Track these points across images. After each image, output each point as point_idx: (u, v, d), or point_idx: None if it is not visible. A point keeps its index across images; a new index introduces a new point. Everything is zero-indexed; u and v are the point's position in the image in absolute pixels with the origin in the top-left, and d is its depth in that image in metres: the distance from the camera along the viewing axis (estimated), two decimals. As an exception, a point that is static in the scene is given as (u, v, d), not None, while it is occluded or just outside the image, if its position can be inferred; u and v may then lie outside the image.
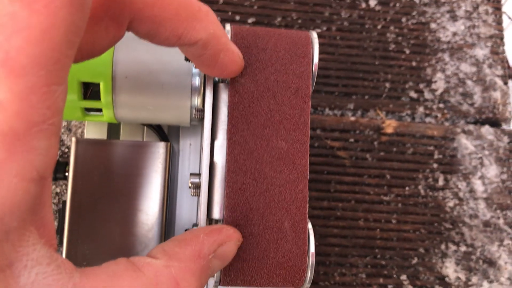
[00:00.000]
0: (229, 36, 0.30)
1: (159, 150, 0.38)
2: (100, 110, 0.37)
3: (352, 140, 0.47)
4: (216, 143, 0.30)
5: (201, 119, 0.31)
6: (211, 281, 0.30)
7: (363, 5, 0.49)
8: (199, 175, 0.30)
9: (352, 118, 0.47)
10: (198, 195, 0.30)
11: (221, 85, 0.30)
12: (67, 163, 0.40)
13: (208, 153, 0.29)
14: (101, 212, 0.37)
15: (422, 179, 0.47)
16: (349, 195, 0.46)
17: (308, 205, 0.29)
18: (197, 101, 0.36)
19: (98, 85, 0.35)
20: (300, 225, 0.29)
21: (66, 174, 0.39)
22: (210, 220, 0.30)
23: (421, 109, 0.48)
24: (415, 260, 0.46)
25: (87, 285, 0.19)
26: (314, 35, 0.31)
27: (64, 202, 0.38)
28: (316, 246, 0.45)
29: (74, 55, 0.20)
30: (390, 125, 0.48)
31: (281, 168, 0.29)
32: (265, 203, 0.29)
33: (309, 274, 0.30)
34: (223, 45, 0.26)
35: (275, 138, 0.29)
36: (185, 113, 0.37)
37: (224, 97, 0.30)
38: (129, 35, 0.36)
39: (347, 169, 0.47)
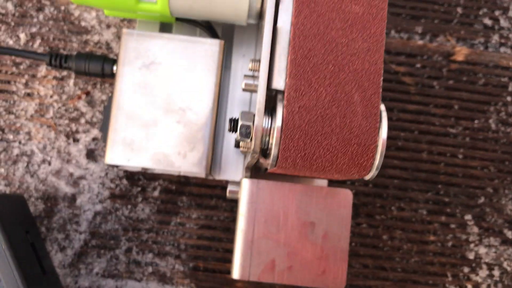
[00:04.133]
0: None
1: (213, 47, 0.36)
2: (153, -3, 0.34)
3: (418, 65, 0.43)
4: (281, 5, 0.27)
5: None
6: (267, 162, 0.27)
7: None
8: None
9: (420, 42, 0.43)
10: (258, 69, 0.27)
11: None
12: (115, 60, 0.37)
13: (271, 16, 0.26)
14: (150, 110, 0.35)
15: (493, 113, 0.43)
16: (412, 124, 0.43)
17: (382, 78, 0.26)
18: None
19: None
20: (372, 99, 0.26)
21: (114, 71, 0.37)
22: (270, 91, 0.27)
23: (495, 38, 0.44)
24: (482, 200, 0.42)
25: None
26: None
27: (110, 98, 0.36)
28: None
29: None
30: (461, 52, 0.43)
31: (354, 35, 0.26)
32: (333, 73, 0.26)
33: (378, 161, 0.26)
34: None
35: (348, 1, 0.26)
36: (243, 4, 0.34)
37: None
38: None
39: (412, 96, 0.43)
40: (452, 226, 0.42)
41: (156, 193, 0.40)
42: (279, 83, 0.26)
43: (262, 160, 0.29)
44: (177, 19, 0.37)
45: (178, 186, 0.40)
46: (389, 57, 0.43)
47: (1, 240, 0.32)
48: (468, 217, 0.42)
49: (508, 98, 0.43)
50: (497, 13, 0.44)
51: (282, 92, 0.26)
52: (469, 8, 0.44)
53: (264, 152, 0.27)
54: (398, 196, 0.42)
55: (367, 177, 0.27)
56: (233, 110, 0.37)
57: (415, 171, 0.42)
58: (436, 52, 0.43)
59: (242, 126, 0.26)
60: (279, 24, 0.27)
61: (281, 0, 0.27)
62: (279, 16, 0.26)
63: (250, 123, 0.26)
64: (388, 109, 0.43)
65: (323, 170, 0.26)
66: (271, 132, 0.26)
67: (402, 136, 0.42)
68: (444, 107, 0.43)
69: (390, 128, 0.42)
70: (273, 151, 0.26)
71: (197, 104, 0.35)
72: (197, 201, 0.40)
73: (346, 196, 0.33)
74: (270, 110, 0.27)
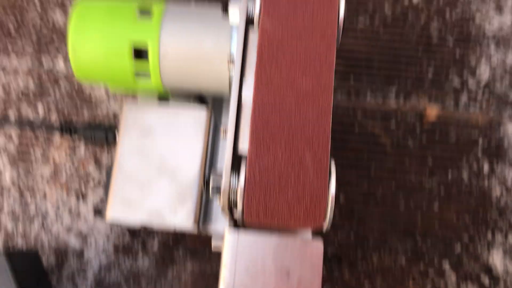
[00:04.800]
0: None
1: (201, 114, 0.41)
2: (148, 75, 0.40)
3: (393, 125, 0.47)
4: (244, 84, 0.32)
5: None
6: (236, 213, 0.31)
7: (406, 1, 0.51)
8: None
9: (394, 104, 0.48)
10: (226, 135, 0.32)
11: (251, 32, 0.32)
12: (117, 129, 0.43)
13: (236, 92, 0.31)
14: (145, 172, 0.40)
15: (466, 167, 0.46)
16: (389, 179, 0.46)
17: (330, 142, 0.30)
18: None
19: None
20: (322, 159, 0.30)
21: (116, 138, 0.43)
22: (235, 155, 0.31)
23: (464, 97, 0.48)
24: (458, 248, 0.45)
25: None
26: (341, -10, 0.33)
27: (112, 162, 0.41)
28: (354, 229, 0.45)
29: None
30: (432, 111, 0.48)
31: (305, 106, 0.31)
32: (288, 138, 0.30)
33: (329, 213, 0.30)
34: None
35: (300, 79, 0.31)
36: (224, 80, 0.39)
37: (253, 42, 0.32)
38: (178, 6, 0.40)
39: (388, 153, 0.47)
40: (431, 273, 0.44)
41: (155, 247, 0.44)
42: (243, 148, 0.31)
43: (235, 214, 0.33)
44: (173, 93, 0.43)
45: (174, 240, 0.45)
46: (365, 117, 0.47)
47: (14, 290, 0.37)
48: (445, 265, 0.44)
49: (479, 153, 0.47)
50: (465, 75, 0.49)
51: (245, 155, 0.31)
52: (439, 71, 0.49)
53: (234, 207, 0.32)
54: (378, 246, 0.45)
55: (324, 228, 0.31)
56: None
57: (394, 223, 0.45)
58: (409, 112, 0.48)
59: (213, 184, 0.31)
60: (243, 98, 0.31)
61: (244, 78, 0.32)
62: (243, 92, 0.31)
63: (220, 182, 0.31)
64: (366, 166, 0.46)
65: (283, 222, 0.30)
66: (237, 190, 0.30)
67: (381, 191, 0.46)
68: (419, 163, 0.47)
69: (369, 183, 0.46)
70: (239, 206, 0.30)
71: (186, 164, 0.40)
72: (192, 253, 0.44)
73: (317, 246, 0.36)
74: (237, 170, 0.31)
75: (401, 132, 0.47)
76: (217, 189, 0.31)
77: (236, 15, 0.33)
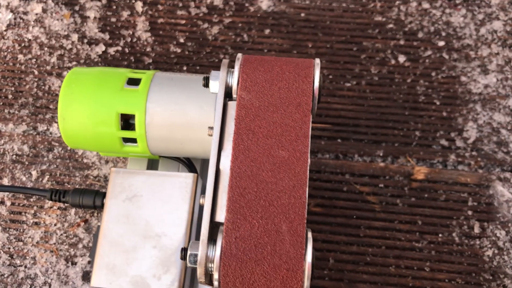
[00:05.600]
0: (238, 63, 0.34)
1: (187, 180, 0.41)
2: (135, 141, 0.41)
3: (381, 185, 0.47)
4: (223, 153, 0.32)
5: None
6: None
7: (393, 61, 0.52)
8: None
9: (382, 164, 0.48)
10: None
11: (230, 103, 0.33)
12: (105, 194, 0.43)
13: (214, 162, 0.32)
14: (130, 237, 0.40)
15: (456, 226, 0.46)
16: (379, 240, 0.46)
17: (306, 211, 0.30)
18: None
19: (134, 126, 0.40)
20: (298, 229, 0.30)
21: (104, 202, 0.43)
22: (213, 223, 0.31)
23: (453, 157, 0.48)
24: (452, 312, 0.44)
25: None
26: (316, 61, 0.34)
27: (98, 227, 0.41)
28: (344, 291, 0.45)
29: None
30: (420, 171, 0.48)
31: (281, 175, 0.31)
32: (264, 207, 0.30)
33: (306, 283, 0.30)
34: None
35: (276, 148, 0.31)
36: (208, 145, 0.40)
37: (232, 113, 0.33)
38: (165, 75, 0.41)
39: (377, 214, 0.47)
40: None
41: (142, 312, 0.44)
42: (220, 216, 0.31)
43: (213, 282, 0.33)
44: (161, 156, 0.44)
45: (162, 304, 0.44)
46: (353, 178, 0.48)
47: None
48: (439, 329, 0.43)
49: (469, 212, 0.46)
50: (452, 134, 0.49)
51: (223, 222, 0.31)
52: (426, 131, 0.49)
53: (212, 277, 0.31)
54: (369, 310, 0.44)
55: (302, 298, 0.31)
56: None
57: (384, 285, 0.45)
58: (397, 172, 0.48)
59: (190, 255, 0.31)
60: (221, 167, 0.32)
61: (223, 148, 0.32)
62: (221, 161, 0.32)
63: (197, 252, 0.31)
64: (355, 227, 0.46)
65: (261, 292, 0.30)
66: (214, 260, 0.30)
67: (370, 252, 0.46)
68: (408, 223, 0.46)
69: (358, 243, 0.46)
70: (215, 276, 0.30)
71: (171, 230, 0.40)
72: (179, 318, 0.44)
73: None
74: (213, 239, 0.31)
75: (389, 192, 0.47)
76: (194, 259, 0.31)
77: (216, 87, 0.34)
